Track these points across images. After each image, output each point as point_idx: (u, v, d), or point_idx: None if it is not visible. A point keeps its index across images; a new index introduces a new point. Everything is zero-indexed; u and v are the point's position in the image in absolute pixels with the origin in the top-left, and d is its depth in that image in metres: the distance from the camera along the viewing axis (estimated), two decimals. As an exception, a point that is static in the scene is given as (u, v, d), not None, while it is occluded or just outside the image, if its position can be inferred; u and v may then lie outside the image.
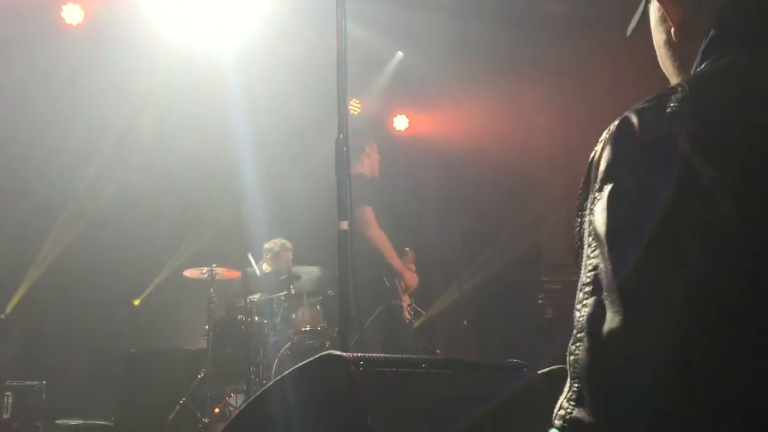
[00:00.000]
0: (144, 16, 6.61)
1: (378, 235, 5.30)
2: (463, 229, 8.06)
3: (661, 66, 1.15)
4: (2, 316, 6.18)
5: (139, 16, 6.59)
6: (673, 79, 1.13)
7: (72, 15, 6.68)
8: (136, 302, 7.26)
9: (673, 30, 1.09)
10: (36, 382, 5.68)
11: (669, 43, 1.11)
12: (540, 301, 6.68)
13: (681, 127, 0.86)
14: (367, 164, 5.57)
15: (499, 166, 7.67)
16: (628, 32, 1.21)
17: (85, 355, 6.62)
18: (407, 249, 5.61)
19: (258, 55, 7.10)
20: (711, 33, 0.99)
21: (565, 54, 7.08)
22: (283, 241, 6.70)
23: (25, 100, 6.59)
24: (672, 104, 0.88)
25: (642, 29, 1.19)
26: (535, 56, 7.27)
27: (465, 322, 7.32)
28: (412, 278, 5.42)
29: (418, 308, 5.68)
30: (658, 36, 1.14)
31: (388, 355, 1.56)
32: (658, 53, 1.15)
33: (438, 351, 6.79)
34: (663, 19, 1.11)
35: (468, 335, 7.42)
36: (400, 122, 8.77)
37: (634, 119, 0.89)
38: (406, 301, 5.36)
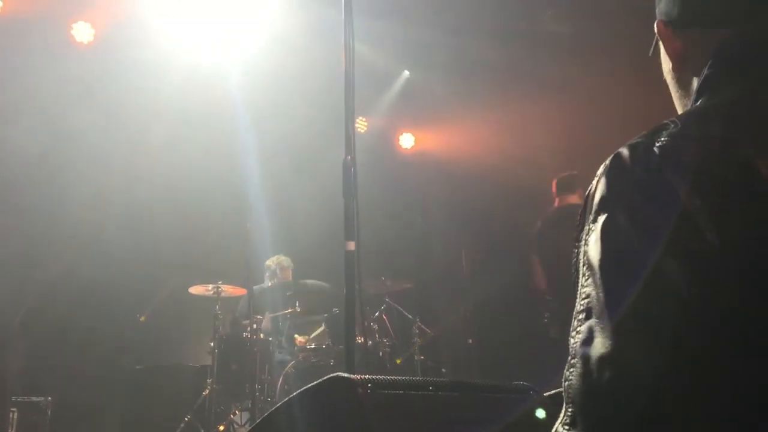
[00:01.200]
0: (153, 34, 6.67)
1: (539, 283, 6.02)
2: (467, 247, 8.05)
3: (671, 91, 1.21)
4: (8, 332, 6.19)
5: (149, 34, 6.65)
6: (677, 104, 1.19)
7: (82, 33, 6.74)
8: (142, 318, 7.25)
9: (671, 64, 1.16)
10: (41, 399, 5.68)
11: (671, 73, 1.18)
12: (545, 320, 6.66)
13: (670, 161, 0.90)
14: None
15: (504, 184, 7.68)
16: (650, 53, 1.27)
17: (91, 372, 6.62)
18: None
19: (265, 73, 7.15)
20: (705, 72, 1.05)
21: (569, 71, 7.11)
22: (282, 258, 6.72)
23: (35, 117, 6.64)
24: (662, 139, 0.93)
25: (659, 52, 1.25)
26: (538, 73, 7.30)
27: (470, 341, 7.30)
28: None
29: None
30: (664, 66, 1.20)
31: (395, 378, 1.57)
32: (667, 81, 1.22)
33: (443, 370, 6.77)
34: (665, 52, 1.19)
35: (473, 354, 7.40)
36: (406, 140, 8.82)
37: (626, 154, 0.94)
38: None
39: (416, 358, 6.29)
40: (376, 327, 6.05)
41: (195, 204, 7.39)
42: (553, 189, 6.01)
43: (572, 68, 7.02)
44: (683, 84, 1.15)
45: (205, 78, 7.01)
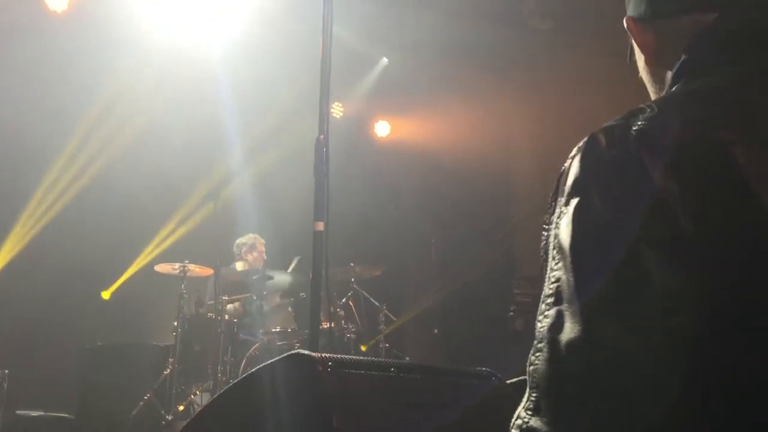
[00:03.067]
0: (130, 8, 6.54)
1: None
2: (439, 237, 8.07)
3: (648, 88, 1.20)
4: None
5: (126, 7, 6.53)
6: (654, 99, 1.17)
7: (56, 1, 6.59)
8: (106, 295, 7.16)
9: (644, 59, 1.16)
10: (-2, 371, 5.58)
11: (646, 69, 1.17)
12: (511, 313, 6.70)
13: (646, 145, 0.88)
14: None
15: (479, 175, 7.70)
16: (628, 60, 1.25)
17: (50, 346, 6.52)
18: None
19: (246, 51, 7.07)
20: (682, 58, 1.04)
21: (546, 63, 7.13)
22: (255, 235, 6.69)
23: (10, 89, 6.49)
24: (639, 122, 0.91)
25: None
26: (515, 65, 7.31)
27: (435, 331, 7.32)
28: None
29: None
30: (639, 63, 1.19)
31: (357, 357, 1.55)
32: (644, 79, 1.20)
33: (407, 358, 6.79)
34: (638, 49, 1.18)
35: (438, 344, 7.42)
36: (382, 128, 8.79)
37: (602, 137, 0.92)
38: None
39: (381, 345, 6.29)
40: (342, 313, 6.04)
41: (168, 181, 7.30)
42: None
43: (549, 58, 7.04)
44: (659, 78, 1.14)
45: (186, 53, 6.91)
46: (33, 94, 6.61)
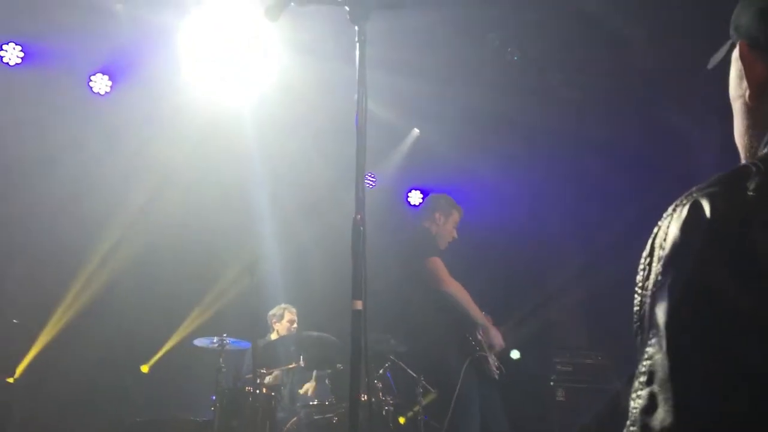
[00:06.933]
0: (169, 85, 6.78)
1: (455, 288, 5.19)
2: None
3: (735, 120, 1.11)
4: (10, 381, 6.15)
5: (164, 85, 6.78)
6: (741, 137, 1.08)
7: (100, 85, 6.91)
8: (145, 369, 7.21)
9: (748, 92, 1.05)
10: (39, 448, 5.62)
11: (743, 101, 1.07)
12: (552, 383, 6.58)
13: (757, 218, 0.82)
14: (434, 228, 5.55)
15: (512, 244, 7.68)
16: (709, 66, 1.17)
17: (91, 422, 6.55)
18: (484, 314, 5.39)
19: (280, 124, 7.25)
20: None
21: (576, 132, 7.16)
22: (286, 305, 6.76)
23: (56, 169, 6.75)
24: (749, 192, 0.84)
25: (723, 66, 1.13)
26: (546, 134, 7.36)
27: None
28: (496, 336, 5.24)
29: (502, 366, 5.40)
30: (733, 90, 1.10)
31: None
32: (732, 104, 1.11)
33: (446, 431, 6.66)
34: (741, 76, 1.07)
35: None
36: (415, 197, 8.87)
37: (706, 205, 0.84)
38: (492, 356, 5.24)
39: (420, 417, 6.19)
40: (380, 385, 5.97)
41: (206, 255, 7.42)
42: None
43: (578, 127, 7.08)
44: (757, 115, 1.03)
45: (220, 130, 7.11)
46: (78, 171, 6.85)
